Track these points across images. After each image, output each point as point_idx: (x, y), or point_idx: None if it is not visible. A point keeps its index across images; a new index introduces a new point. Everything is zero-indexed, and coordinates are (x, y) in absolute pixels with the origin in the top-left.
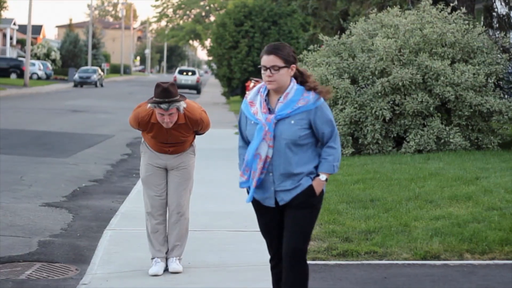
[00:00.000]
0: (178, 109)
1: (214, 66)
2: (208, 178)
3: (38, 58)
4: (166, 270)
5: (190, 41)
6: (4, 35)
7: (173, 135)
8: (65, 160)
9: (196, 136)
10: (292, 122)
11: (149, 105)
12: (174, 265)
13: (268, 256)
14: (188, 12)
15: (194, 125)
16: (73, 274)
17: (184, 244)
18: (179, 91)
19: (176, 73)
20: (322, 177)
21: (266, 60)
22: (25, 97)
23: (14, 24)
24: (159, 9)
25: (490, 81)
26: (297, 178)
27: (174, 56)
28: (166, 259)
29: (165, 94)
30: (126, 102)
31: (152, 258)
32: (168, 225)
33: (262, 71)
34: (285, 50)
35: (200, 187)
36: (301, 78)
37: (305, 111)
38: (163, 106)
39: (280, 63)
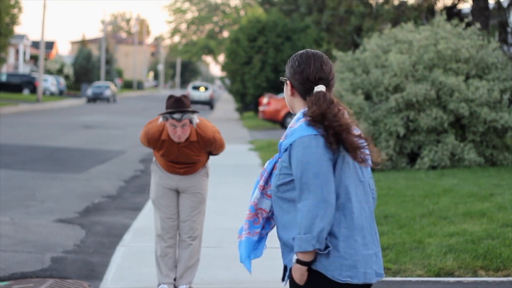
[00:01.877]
0: (191, 121)
1: (228, 81)
2: (220, 195)
3: (51, 74)
4: None
5: (203, 57)
6: (17, 51)
7: (185, 154)
8: (78, 176)
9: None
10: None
11: (160, 118)
12: None
13: (279, 272)
14: (201, 28)
15: (207, 145)
16: None
17: (195, 271)
18: (192, 106)
19: (189, 89)
20: (293, 257)
21: None
22: (38, 113)
23: (27, 39)
24: (173, 25)
25: (505, 97)
26: (286, 250)
27: (187, 72)
28: (175, 287)
29: (178, 104)
30: (139, 118)
31: (159, 285)
32: (178, 251)
33: None
34: (288, 63)
35: (212, 203)
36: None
37: (286, 150)
38: (176, 116)
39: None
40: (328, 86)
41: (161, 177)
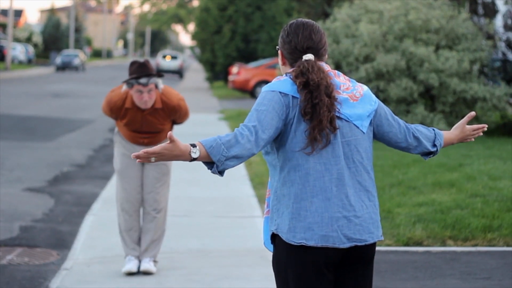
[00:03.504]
0: (156, 86)
1: (198, 51)
2: (191, 164)
3: (20, 42)
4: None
5: (173, 26)
6: None
7: (148, 122)
8: (47, 144)
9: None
10: None
11: (124, 86)
12: (146, 265)
13: (249, 241)
14: None
15: (171, 112)
16: (55, 259)
17: (159, 245)
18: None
19: (159, 58)
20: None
21: None
22: (6, 81)
23: None
24: None
25: (475, 68)
26: (273, 216)
27: (157, 41)
28: (140, 260)
29: (143, 68)
30: (109, 87)
31: (126, 256)
32: (143, 224)
33: None
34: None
35: (183, 172)
36: None
37: None
38: (142, 80)
39: None
40: (318, 55)
41: (125, 147)
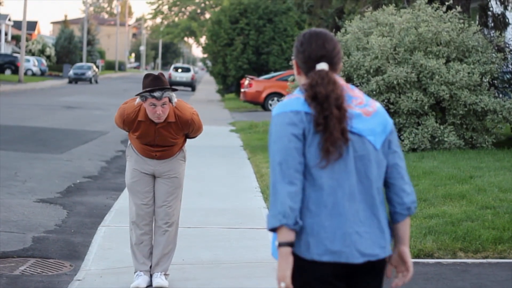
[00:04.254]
0: (170, 100)
1: (209, 63)
2: (202, 175)
3: (33, 54)
4: (150, 286)
5: (185, 38)
6: None
7: (161, 136)
8: (60, 156)
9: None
10: None
11: (138, 99)
12: (158, 280)
13: (261, 253)
14: (183, 9)
15: (184, 126)
16: (67, 270)
17: (171, 259)
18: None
19: (171, 70)
20: (276, 243)
21: None
22: (19, 93)
23: (9, 20)
24: (154, 6)
25: (485, 80)
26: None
27: (169, 53)
28: (151, 275)
29: (157, 82)
30: (121, 99)
31: (135, 272)
32: (154, 237)
33: None
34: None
35: (194, 184)
36: None
37: None
38: (156, 94)
39: None
40: (331, 63)
41: (136, 161)
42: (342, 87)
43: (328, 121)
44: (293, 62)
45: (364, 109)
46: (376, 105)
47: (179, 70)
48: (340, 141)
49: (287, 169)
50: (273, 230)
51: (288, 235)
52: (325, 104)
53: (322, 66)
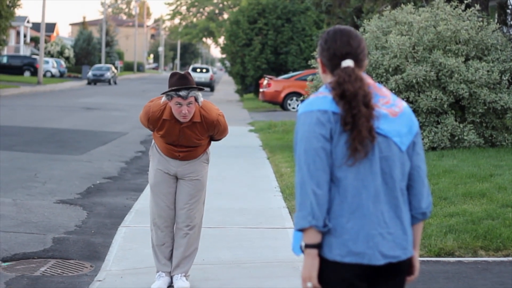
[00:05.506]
0: (196, 99)
1: (228, 63)
2: (221, 175)
3: (52, 56)
4: (171, 286)
5: (204, 39)
6: (18, 33)
7: (186, 135)
8: (79, 157)
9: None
10: None
11: (164, 98)
12: (180, 282)
13: (281, 253)
14: (201, 10)
15: (210, 127)
16: (88, 271)
17: (191, 261)
18: None
19: (189, 71)
20: (302, 244)
21: None
22: (39, 95)
23: (28, 22)
24: (173, 7)
25: (504, 78)
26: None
27: (188, 54)
28: (172, 276)
29: (184, 81)
30: (140, 100)
31: (157, 272)
32: (175, 239)
33: None
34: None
35: (213, 184)
36: None
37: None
38: (182, 93)
39: None
40: (357, 60)
41: (159, 161)
42: (369, 84)
43: (356, 119)
44: (318, 60)
45: (390, 109)
46: (402, 105)
47: (198, 70)
48: (367, 140)
49: (315, 170)
50: (301, 230)
51: (315, 237)
52: (353, 102)
53: (348, 63)
